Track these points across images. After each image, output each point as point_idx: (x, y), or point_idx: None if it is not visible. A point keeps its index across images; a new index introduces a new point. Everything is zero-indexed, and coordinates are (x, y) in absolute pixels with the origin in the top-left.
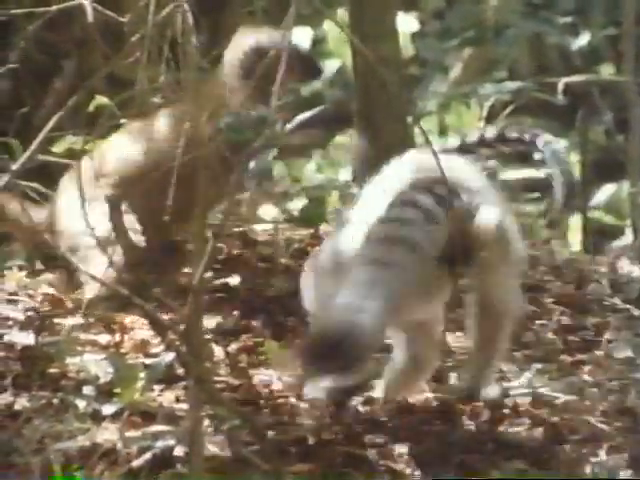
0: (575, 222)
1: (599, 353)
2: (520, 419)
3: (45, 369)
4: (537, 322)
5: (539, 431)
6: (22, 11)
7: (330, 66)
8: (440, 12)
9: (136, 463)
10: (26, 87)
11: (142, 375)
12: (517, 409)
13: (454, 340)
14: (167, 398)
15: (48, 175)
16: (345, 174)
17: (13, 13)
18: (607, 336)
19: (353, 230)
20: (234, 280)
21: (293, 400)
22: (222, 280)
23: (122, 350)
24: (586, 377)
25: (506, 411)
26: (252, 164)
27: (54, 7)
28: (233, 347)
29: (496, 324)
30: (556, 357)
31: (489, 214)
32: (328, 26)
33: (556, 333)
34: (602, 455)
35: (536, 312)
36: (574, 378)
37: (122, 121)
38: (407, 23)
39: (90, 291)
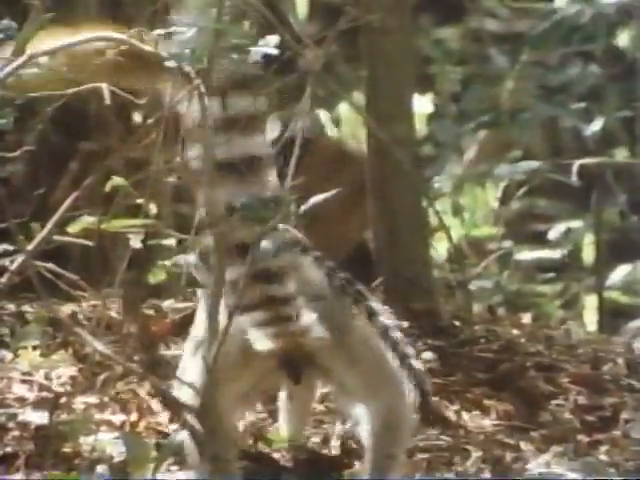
0: (591, 302)
1: (616, 433)
2: None
3: (59, 448)
4: (553, 402)
5: None
6: (39, 94)
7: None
8: (456, 95)
9: None
10: (42, 168)
11: (155, 454)
12: None
13: (470, 420)
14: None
15: (64, 256)
16: None
17: (30, 96)
18: (624, 416)
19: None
20: None
21: None
22: None
23: (137, 429)
24: (603, 457)
25: None
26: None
27: (71, 90)
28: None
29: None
30: (573, 437)
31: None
32: (343, 108)
33: (573, 413)
34: None
35: (552, 392)
36: (591, 458)
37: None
38: (423, 104)
39: None
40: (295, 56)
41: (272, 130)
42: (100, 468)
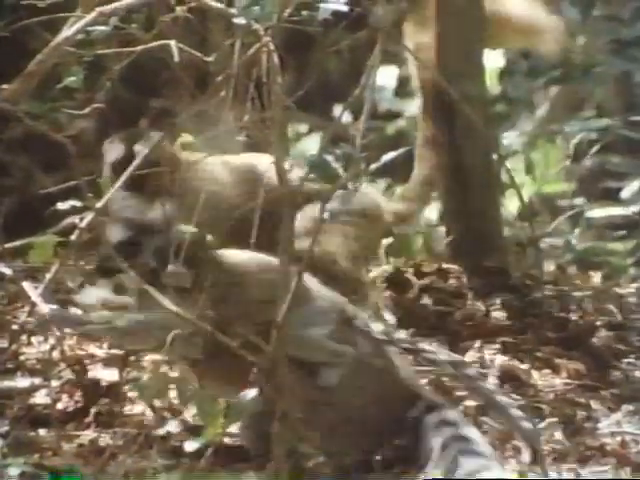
0: None
1: None
2: (606, 459)
3: (129, 405)
4: (624, 361)
5: (626, 471)
6: (109, 51)
7: (415, 105)
8: (527, 51)
9: None
10: (112, 126)
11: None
12: (604, 449)
13: (541, 378)
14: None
15: None
16: (430, 211)
17: (100, 53)
18: None
19: None
20: None
21: None
22: None
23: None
24: None
25: (593, 451)
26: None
27: (140, 47)
28: None
29: None
30: None
31: None
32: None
33: None
34: None
35: (623, 351)
36: None
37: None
38: (494, 60)
39: None
40: (365, 13)
41: (115, 150)
42: (170, 425)
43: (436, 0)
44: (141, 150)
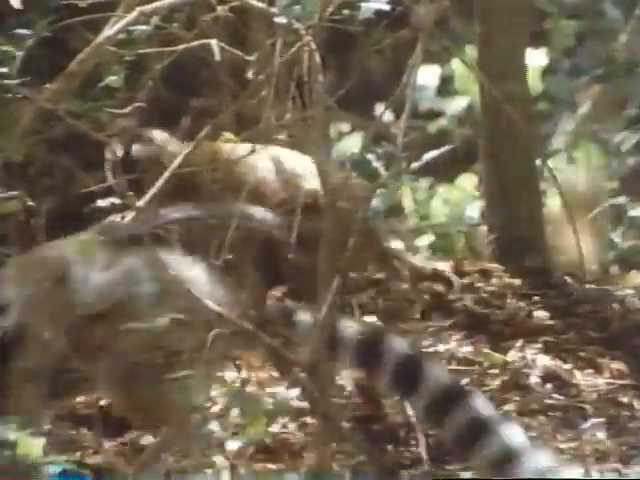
0: None
1: None
2: None
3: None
4: None
5: None
6: (150, 50)
7: (457, 104)
8: (570, 50)
9: None
10: (153, 125)
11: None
12: None
13: (583, 377)
14: (294, 434)
15: None
16: (472, 210)
17: (141, 52)
18: None
19: None
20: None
21: None
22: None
23: (248, 386)
24: None
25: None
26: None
27: (181, 46)
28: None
29: None
30: None
31: None
32: (456, 63)
33: None
34: None
35: None
36: None
37: None
38: (536, 59)
39: None
40: (407, 11)
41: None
42: (213, 424)
43: None
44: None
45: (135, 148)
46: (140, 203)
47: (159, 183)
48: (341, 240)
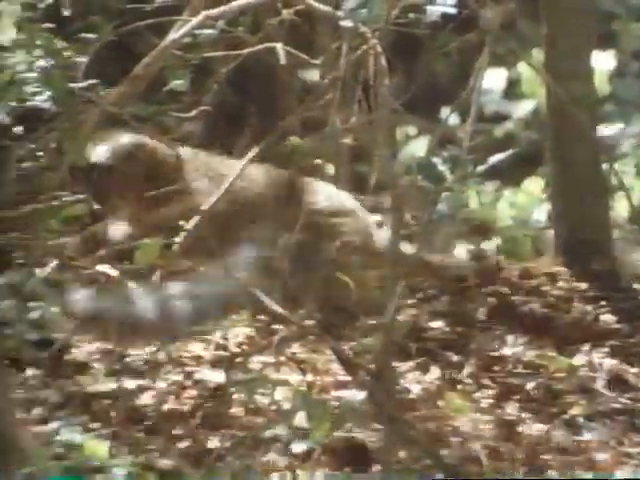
0: None
1: None
2: None
3: (236, 407)
4: None
5: None
6: (215, 54)
7: (524, 107)
8: (639, 52)
9: None
10: (219, 129)
11: (333, 414)
12: None
13: None
14: (359, 438)
15: None
16: (539, 214)
17: (207, 56)
18: None
19: None
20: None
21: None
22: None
23: (314, 389)
24: None
25: None
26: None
27: (247, 50)
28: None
29: None
30: None
31: None
32: (522, 66)
33: None
34: None
35: None
36: None
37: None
38: (604, 62)
39: None
40: (473, 14)
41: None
42: (279, 428)
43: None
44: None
45: (99, 150)
46: (205, 207)
47: (225, 186)
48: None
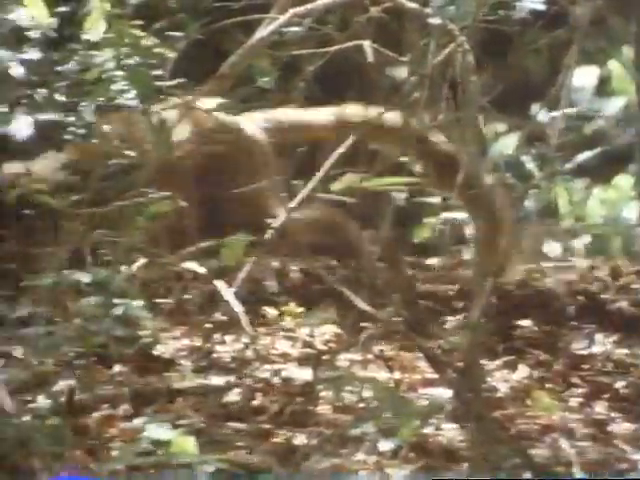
0: None
1: None
2: None
3: (323, 405)
4: None
5: None
6: (302, 51)
7: (614, 104)
8: None
9: None
10: None
11: (421, 412)
12: None
13: None
14: (446, 436)
15: None
16: (629, 211)
17: (294, 54)
18: None
19: None
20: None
21: None
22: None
23: (401, 387)
24: None
25: None
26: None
27: (334, 47)
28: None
29: None
30: None
31: None
32: (613, 63)
33: None
34: None
35: None
36: None
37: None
38: None
39: None
40: (562, 11)
41: None
42: (366, 425)
43: None
44: None
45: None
46: (292, 204)
47: (311, 185)
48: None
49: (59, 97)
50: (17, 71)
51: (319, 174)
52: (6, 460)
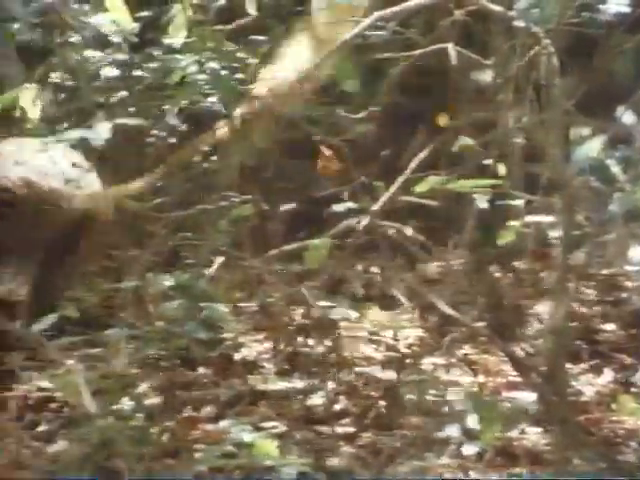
0: None
1: None
2: None
3: (407, 408)
4: None
5: None
6: (386, 55)
7: None
8: None
9: None
10: (391, 129)
11: (505, 416)
12: None
13: None
14: (530, 439)
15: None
16: None
17: (377, 58)
18: None
19: None
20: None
21: None
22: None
23: (485, 391)
24: None
25: None
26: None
27: (418, 51)
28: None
29: None
30: None
31: None
32: None
33: None
34: None
35: None
36: None
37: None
38: None
39: None
40: None
41: None
42: (450, 428)
43: None
44: None
45: None
46: (374, 207)
47: (395, 187)
48: None
49: (141, 101)
50: (109, 72)
51: (401, 177)
52: (90, 461)
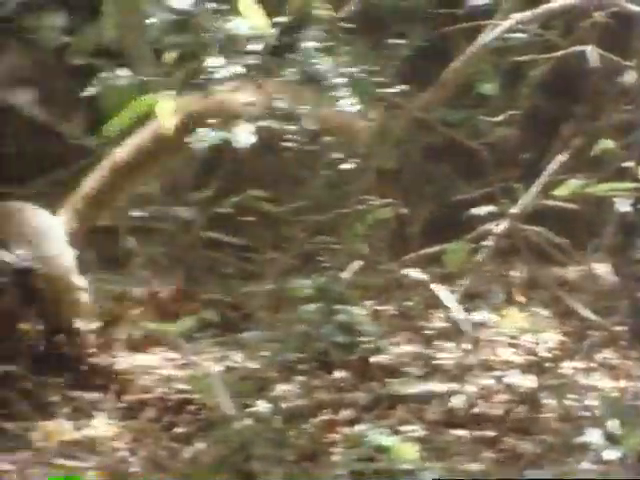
0: None
1: None
2: None
3: (547, 412)
4: None
5: None
6: (525, 58)
7: None
8: None
9: None
10: (532, 132)
11: None
12: None
13: None
14: None
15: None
16: None
17: (516, 60)
18: None
19: None
20: None
21: None
22: None
23: (626, 396)
24: None
25: None
26: None
27: (557, 53)
28: None
29: None
30: None
31: None
32: None
33: None
34: None
35: None
36: None
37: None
38: None
39: None
40: None
41: None
42: (592, 434)
43: None
44: None
45: None
46: (513, 210)
47: (535, 188)
48: None
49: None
50: None
51: (540, 179)
52: (227, 463)
